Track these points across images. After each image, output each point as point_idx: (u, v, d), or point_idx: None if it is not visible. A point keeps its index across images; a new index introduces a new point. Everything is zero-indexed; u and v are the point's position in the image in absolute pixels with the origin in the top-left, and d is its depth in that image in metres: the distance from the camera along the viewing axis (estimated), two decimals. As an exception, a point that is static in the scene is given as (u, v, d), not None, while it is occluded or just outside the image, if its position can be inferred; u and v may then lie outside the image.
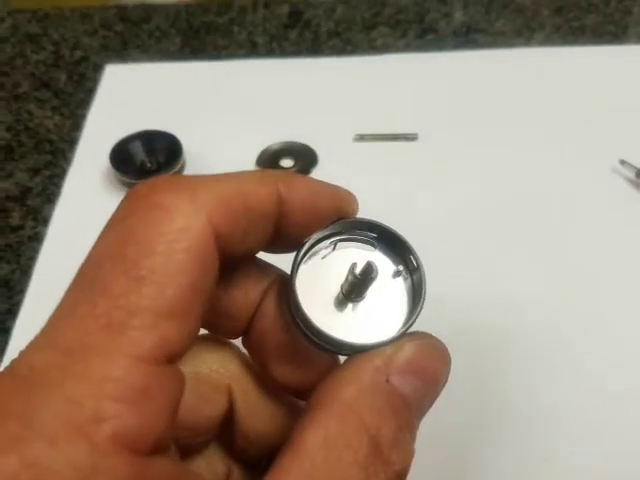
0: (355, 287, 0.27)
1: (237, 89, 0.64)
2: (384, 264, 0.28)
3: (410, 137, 0.58)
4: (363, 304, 0.28)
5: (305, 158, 0.56)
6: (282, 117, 0.61)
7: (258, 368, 0.28)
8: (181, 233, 0.21)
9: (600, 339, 0.44)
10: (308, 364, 0.28)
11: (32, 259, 0.51)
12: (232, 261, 0.24)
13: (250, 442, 0.27)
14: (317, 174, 0.56)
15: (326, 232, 0.28)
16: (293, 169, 0.56)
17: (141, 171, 0.55)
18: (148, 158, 0.56)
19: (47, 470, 0.18)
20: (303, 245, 0.27)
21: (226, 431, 0.27)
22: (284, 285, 0.28)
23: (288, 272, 0.27)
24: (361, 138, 0.58)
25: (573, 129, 0.59)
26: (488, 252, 0.49)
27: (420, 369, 0.24)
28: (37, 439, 0.18)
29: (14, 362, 0.20)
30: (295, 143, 0.57)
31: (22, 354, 0.20)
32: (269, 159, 0.56)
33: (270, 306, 0.28)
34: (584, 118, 0.60)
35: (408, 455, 0.23)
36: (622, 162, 0.55)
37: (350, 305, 0.27)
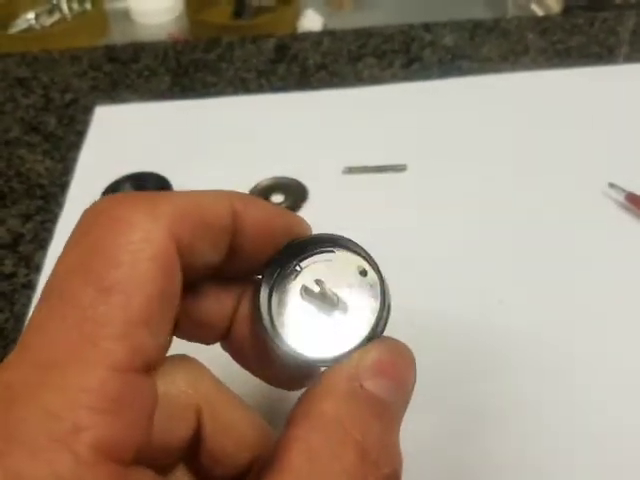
0: (318, 302, 0.28)
1: (226, 126, 0.65)
2: (349, 267, 0.29)
3: (399, 168, 0.58)
4: (341, 313, 0.28)
5: (295, 193, 0.56)
6: (271, 152, 0.61)
7: (240, 365, 0.30)
8: (143, 243, 0.22)
9: (589, 363, 0.44)
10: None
11: (26, 306, 0.51)
12: (197, 274, 0.25)
13: (217, 462, 0.27)
14: (308, 208, 0.56)
15: (286, 254, 0.29)
16: (284, 204, 0.56)
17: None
18: (139, 200, 0.56)
19: None
20: (265, 266, 0.28)
21: (193, 452, 0.27)
22: (253, 311, 0.28)
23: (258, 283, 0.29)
24: (350, 171, 0.59)
25: (562, 152, 0.59)
26: (479, 282, 0.49)
27: (388, 370, 0.25)
28: (18, 451, 0.18)
29: None
30: (285, 178, 0.58)
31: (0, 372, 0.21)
32: (260, 195, 0.56)
33: (244, 312, 0.29)
34: (573, 141, 0.60)
35: (396, 457, 0.23)
36: (611, 185, 0.55)
37: (328, 317, 0.28)
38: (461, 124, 0.63)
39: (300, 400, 0.24)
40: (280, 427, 0.27)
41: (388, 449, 0.23)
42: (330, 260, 0.30)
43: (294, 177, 0.58)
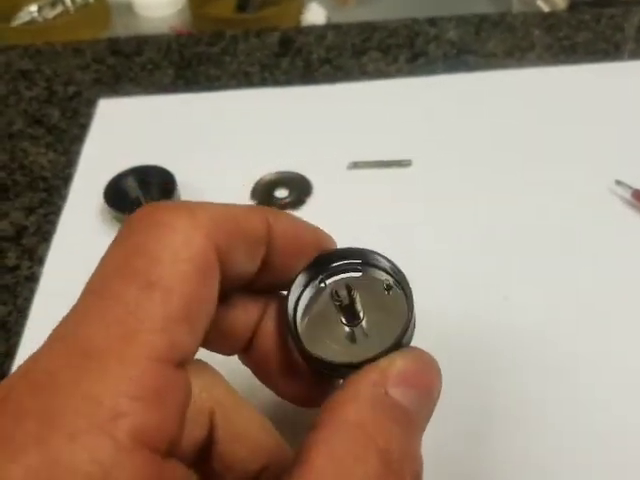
0: (345, 311, 0.29)
1: (230, 120, 0.64)
2: (374, 282, 0.30)
3: (404, 163, 0.58)
4: (366, 327, 0.29)
5: (299, 188, 0.56)
6: (276, 147, 0.61)
7: (259, 379, 0.30)
8: (183, 245, 0.23)
9: (593, 361, 0.44)
10: (306, 377, 0.30)
11: (28, 300, 0.51)
12: (230, 284, 0.26)
13: (228, 468, 0.27)
14: (312, 203, 0.56)
15: (313, 267, 0.30)
16: (288, 199, 0.56)
17: (136, 207, 0.54)
18: (142, 194, 0.56)
19: (68, 466, 0.18)
20: (294, 279, 0.29)
21: (204, 456, 0.27)
22: (283, 316, 0.29)
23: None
24: (355, 166, 0.58)
25: (568, 149, 0.59)
26: (484, 277, 0.49)
27: (414, 379, 0.25)
28: (57, 436, 0.18)
29: (26, 367, 0.21)
30: (289, 173, 0.57)
31: (35, 359, 0.21)
32: (264, 190, 0.56)
33: (271, 325, 0.30)
34: (579, 137, 0.60)
35: (418, 465, 0.24)
36: (618, 182, 0.54)
37: (354, 331, 0.29)
38: (466, 120, 0.62)
39: (324, 405, 0.24)
40: (291, 440, 0.28)
41: (410, 457, 0.23)
42: (356, 276, 0.30)
43: (298, 172, 0.58)
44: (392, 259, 0.30)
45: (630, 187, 0.54)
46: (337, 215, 0.51)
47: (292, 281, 0.29)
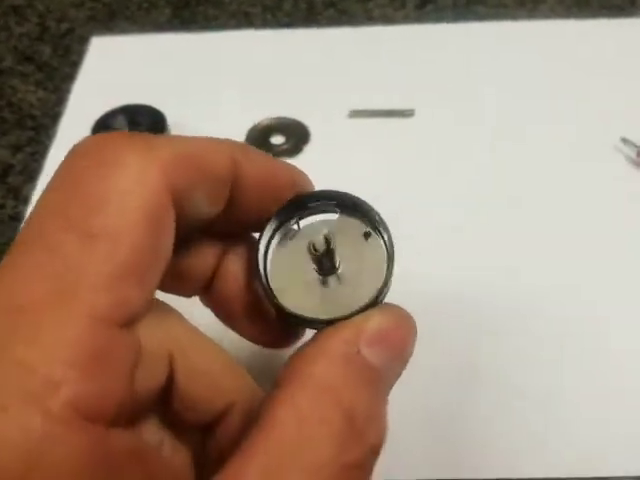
0: (321, 262, 0.27)
1: (227, 61, 0.62)
2: (352, 228, 0.28)
3: (406, 113, 0.56)
4: (341, 275, 0.27)
5: (297, 135, 0.54)
6: (273, 91, 0.59)
7: (221, 321, 0.29)
8: (134, 188, 0.20)
9: (595, 321, 0.43)
10: (272, 320, 0.28)
11: (12, 240, 0.49)
12: (189, 226, 0.23)
13: (190, 409, 0.25)
14: (309, 151, 0.54)
15: (288, 210, 0.28)
16: (284, 146, 0.53)
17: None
18: (132, 134, 0.54)
19: (2, 445, 0.16)
20: (267, 222, 0.27)
21: (165, 400, 0.25)
22: (251, 260, 0.27)
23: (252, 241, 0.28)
24: (355, 114, 0.56)
25: (575, 104, 0.56)
26: (487, 230, 0.47)
27: (389, 339, 0.23)
28: None
29: None
30: (286, 119, 0.55)
31: None
32: (259, 136, 0.54)
33: (233, 265, 0.27)
34: (587, 93, 0.57)
35: (382, 428, 0.22)
36: (624, 140, 0.52)
37: (328, 279, 0.27)
38: (473, 70, 0.60)
39: (292, 359, 0.23)
40: (261, 383, 0.27)
41: (375, 419, 0.22)
42: (332, 220, 0.28)
43: (296, 118, 0.55)
44: (374, 206, 0.28)
45: (636, 145, 0.52)
46: (335, 164, 0.49)
47: (263, 224, 0.27)
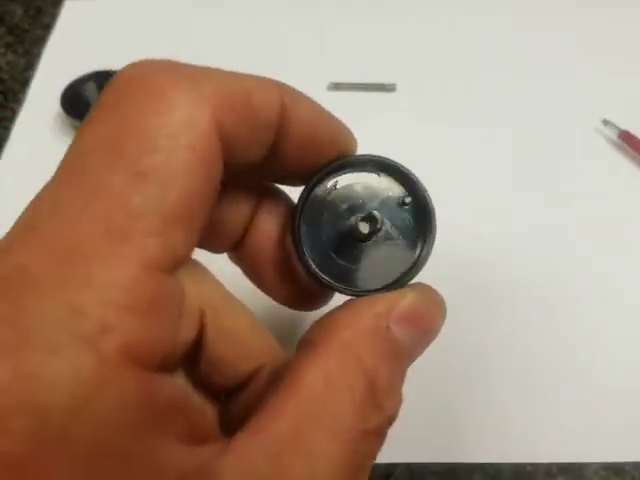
0: (361, 236, 0.26)
1: (203, 28, 0.60)
2: (390, 193, 0.27)
3: (388, 87, 0.54)
4: (377, 243, 0.26)
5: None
6: (249, 60, 0.56)
7: (250, 280, 0.28)
8: (185, 127, 0.19)
9: (577, 300, 0.42)
10: (301, 281, 0.28)
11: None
12: (231, 172, 0.22)
13: (217, 370, 0.25)
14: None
15: (327, 172, 0.26)
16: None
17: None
18: (103, 101, 0.52)
19: (47, 382, 0.16)
20: (310, 181, 0.26)
21: (193, 358, 0.25)
22: (288, 218, 0.27)
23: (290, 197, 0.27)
24: (335, 87, 0.54)
25: (558, 83, 0.55)
26: (461, 213, 0.46)
27: (419, 319, 0.24)
28: (34, 348, 0.16)
29: None
30: (263, 90, 0.53)
31: (4, 251, 0.18)
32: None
33: (265, 222, 0.27)
34: (570, 71, 0.56)
35: (398, 401, 0.23)
36: (605, 122, 0.51)
37: (360, 245, 0.26)
38: (456, 45, 0.58)
39: (323, 322, 0.23)
40: (286, 344, 0.27)
41: (394, 392, 0.23)
42: (371, 185, 0.27)
43: (274, 89, 0.53)
44: (421, 179, 0.27)
45: (617, 128, 0.51)
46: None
47: (306, 184, 0.26)
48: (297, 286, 0.28)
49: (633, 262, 0.44)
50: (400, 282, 0.26)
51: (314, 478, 0.20)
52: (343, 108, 0.52)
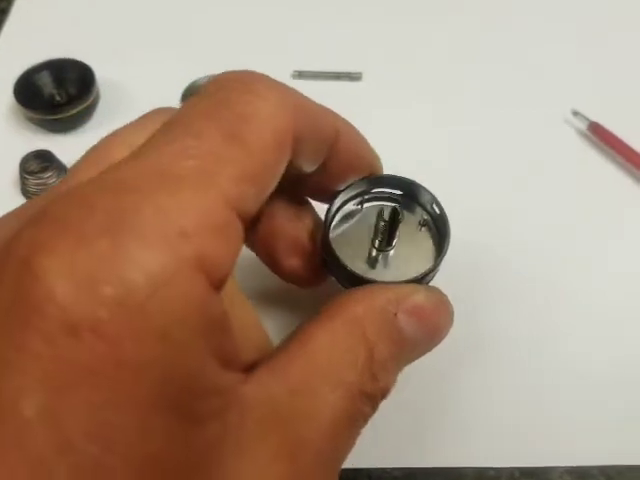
0: (384, 233, 0.30)
1: (162, 14, 0.58)
2: (409, 217, 0.32)
3: (354, 76, 0.53)
4: (393, 257, 0.31)
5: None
6: (212, 48, 0.55)
7: (262, 260, 0.32)
8: (271, 117, 0.22)
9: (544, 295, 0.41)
10: (313, 258, 0.31)
11: None
12: (287, 176, 0.25)
13: None
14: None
15: (356, 188, 0.31)
16: (223, 108, 0.50)
17: (50, 105, 0.49)
18: (57, 91, 0.50)
19: (133, 261, 0.18)
20: (338, 193, 0.30)
21: None
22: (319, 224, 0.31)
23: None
24: (300, 75, 0.53)
25: (526, 72, 0.54)
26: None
27: (426, 318, 0.27)
28: (128, 231, 0.18)
29: (93, 177, 0.20)
30: (226, 78, 0.52)
31: (104, 172, 0.21)
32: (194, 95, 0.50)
33: (279, 207, 0.30)
34: (539, 62, 0.55)
35: (390, 381, 0.26)
36: (575, 113, 0.50)
37: (380, 257, 0.31)
38: (423, 32, 0.57)
39: (337, 299, 0.26)
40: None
41: (388, 371, 0.25)
42: (393, 205, 0.31)
43: (236, 77, 0.52)
44: (438, 198, 0.31)
45: (587, 119, 0.50)
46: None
47: (339, 190, 0.30)
48: (307, 265, 0.31)
49: (601, 254, 0.43)
50: (416, 278, 0.29)
51: (318, 417, 0.23)
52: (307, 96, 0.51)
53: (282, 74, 0.53)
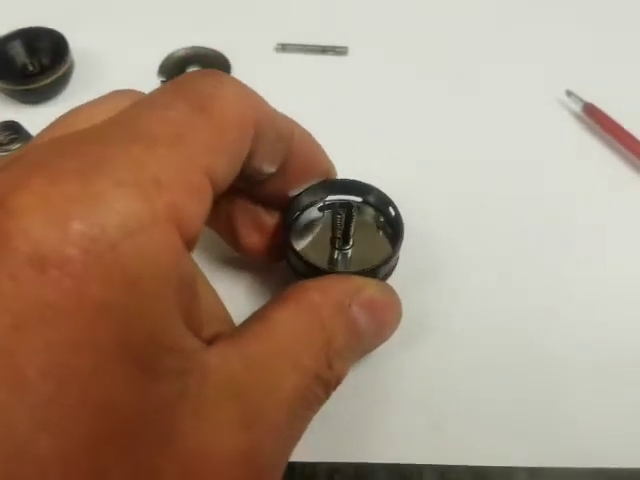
0: (341, 228, 0.32)
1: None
2: (368, 220, 0.34)
3: (339, 50, 0.51)
4: (352, 257, 0.33)
5: (216, 67, 0.48)
6: (191, 17, 0.53)
7: (221, 236, 0.35)
8: (235, 100, 0.23)
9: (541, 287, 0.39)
10: (273, 235, 0.33)
11: None
12: (247, 177, 0.27)
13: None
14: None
15: (316, 194, 0.34)
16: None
17: (22, 75, 0.47)
18: (30, 60, 0.47)
19: (108, 205, 0.18)
20: (297, 198, 0.33)
21: None
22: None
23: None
24: (283, 48, 0.51)
25: (519, 50, 0.53)
26: (419, 178, 0.43)
27: (377, 311, 0.28)
28: (104, 177, 0.19)
29: (69, 132, 0.21)
30: (204, 49, 0.50)
31: (82, 130, 0.21)
32: (174, 66, 0.48)
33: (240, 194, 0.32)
34: (532, 40, 0.54)
35: (344, 370, 0.27)
36: (569, 93, 0.49)
37: (340, 258, 0.33)
38: (413, 6, 0.55)
39: (297, 286, 0.27)
40: None
41: (343, 360, 0.26)
42: (353, 206, 0.32)
43: (216, 49, 0.50)
44: (394, 201, 0.33)
45: (581, 100, 0.48)
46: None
47: (297, 195, 0.33)
48: (266, 239, 0.33)
49: (593, 237, 0.42)
50: (362, 273, 0.30)
51: (273, 393, 0.23)
52: (291, 71, 0.50)
53: (265, 47, 0.51)
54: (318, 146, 0.32)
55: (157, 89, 0.24)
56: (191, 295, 0.21)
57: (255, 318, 0.25)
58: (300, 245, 0.33)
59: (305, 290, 0.27)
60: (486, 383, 0.35)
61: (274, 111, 0.27)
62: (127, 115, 0.22)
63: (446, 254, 0.40)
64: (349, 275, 0.29)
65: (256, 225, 0.33)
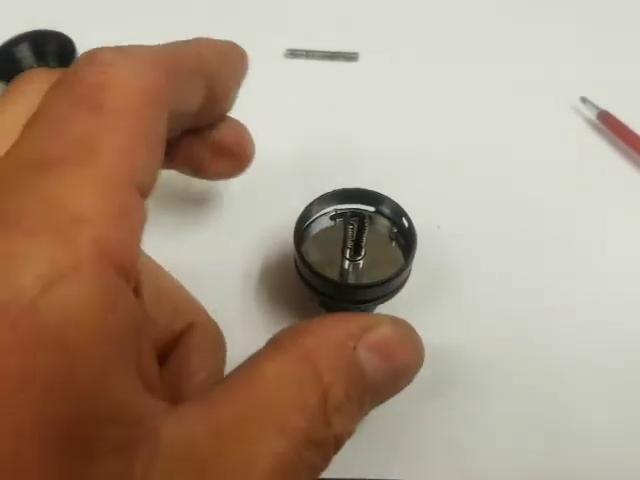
0: (353, 238, 0.31)
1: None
2: (381, 230, 0.34)
3: (350, 56, 0.51)
4: (363, 268, 0.32)
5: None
6: (202, 22, 0.50)
7: (184, 171, 0.34)
8: (128, 79, 0.21)
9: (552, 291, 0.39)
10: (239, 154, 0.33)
11: None
12: (175, 123, 0.24)
13: (153, 323, 0.27)
14: (241, 89, 0.48)
15: (327, 202, 0.33)
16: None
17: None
18: (37, 63, 0.47)
19: (21, 262, 0.16)
20: (308, 205, 0.33)
21: None
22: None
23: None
24: (293, 54, 0.51)
25: (534, 54, 0.52)
26: (424, 190, 0.43)
27: (390, 355, 0.24)
28: (13, 232, 0.17)
29: None
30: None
31: None
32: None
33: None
34: (549, 44, 0.53)
35: (348, 427, 0.22)
36: (584, 100, 0.48)
37: (351, 269, 0.32)
38: (425, 12, 0.55)
39: (292, 328, 0.23)
40: None
41: (345, 414, 0.22)
42: (368, 217, 0.32)
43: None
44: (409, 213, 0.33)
45: (596, 107, 0.47)
46: (268, 107, 0.44)
47: (308, 205, 0.33)
48: (233, 162, 0.33)
49: (607, 246, 0.41)
50: (373, 286, 0.30)
51: (248, 467, 0.19)
52: (301, 77, 0.49)
53: (275, 53, 0.51)
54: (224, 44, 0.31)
55: (47, 92, 0.21)
56: (138, 341, 0.19)
57: (237, 372, 0.22)
58: (310, 256, 0.32)
59: (297, 333, 0.23)
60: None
61: (175, 50, 0.25)
62: (26, 144, 0.19)
63: (460, 264, 0.39)
64: (354, 313, 0.25)
65: (221, 150, 0.32)
